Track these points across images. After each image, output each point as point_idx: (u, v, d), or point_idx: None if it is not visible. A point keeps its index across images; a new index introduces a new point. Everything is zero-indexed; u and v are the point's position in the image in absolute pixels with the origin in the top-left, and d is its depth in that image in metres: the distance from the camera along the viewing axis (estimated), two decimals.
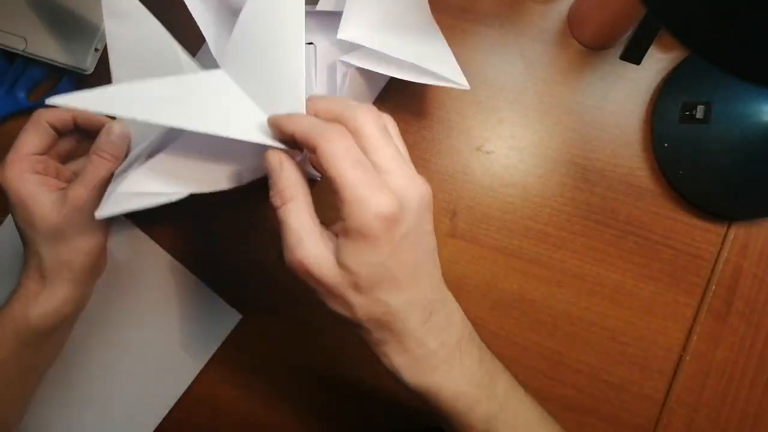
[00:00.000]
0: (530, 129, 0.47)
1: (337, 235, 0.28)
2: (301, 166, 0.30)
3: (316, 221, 0.29)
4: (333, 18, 0.38)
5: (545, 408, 0.34)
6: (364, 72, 0.40)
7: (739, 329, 0.45)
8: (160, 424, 0.46)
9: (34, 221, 0.35)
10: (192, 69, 0.36)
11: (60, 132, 0.38)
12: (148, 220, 0.47)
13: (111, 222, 0.42)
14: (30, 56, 0.45)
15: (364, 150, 0.28)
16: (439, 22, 0.43)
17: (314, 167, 0.33)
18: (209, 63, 0.35)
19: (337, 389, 0.46)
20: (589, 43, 0.46)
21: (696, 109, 0.44)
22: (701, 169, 0.44)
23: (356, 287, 0.28)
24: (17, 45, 0.44)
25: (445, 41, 0.42)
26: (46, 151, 0.37)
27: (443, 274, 0.31)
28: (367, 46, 0.38)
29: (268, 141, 0.30)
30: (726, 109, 0.44)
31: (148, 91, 0.29)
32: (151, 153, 0.33)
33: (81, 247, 0.36)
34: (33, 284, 0.37)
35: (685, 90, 0.45)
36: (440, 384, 0.30)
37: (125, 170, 0.34)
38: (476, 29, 0.47)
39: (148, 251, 0.47)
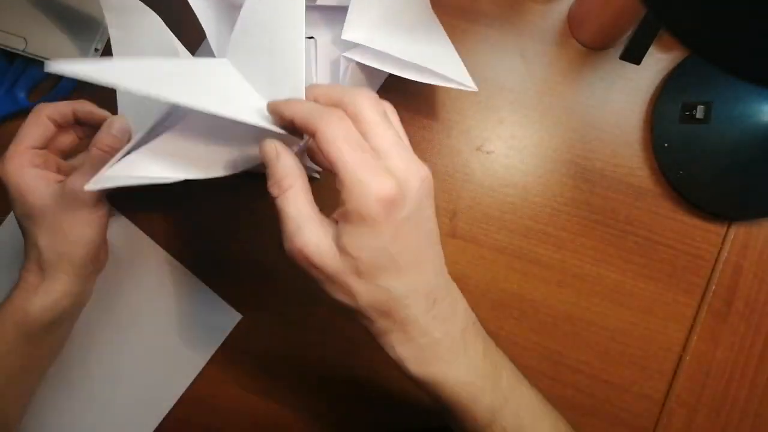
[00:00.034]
0: (530, 129, 0.47)
1: (337, 222, 0.28)
2: (299, 155, 0.30)
3: (315, 209, 0.29)
4: (335, 13, 0.38)
5: None
6: (365, 67, 0.40)
7: (739, 329, 0.45)
8: (160, 424, 0.46)
9: (32, 213, 0.36)
10: None
11: (60, 126, 0.38)
12: (148, 219, 0.47)
13: (111, 218, 0.42)
14: (30, 56, 0.45)
15: (363, 134, 0.28)
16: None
17: (312, 158, 0.33)
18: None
19: (338, 389, 0.46)
20: (589, 43, 0.46)
21: (696, 109, 0.44)
22: (701, 169, 0.44)
23: (357, 273, 0.27)
24: (17, 45, 0.44)
25: (450, 43, 0.42)
26: (45, 145, 0.38)
27: None
28: (371, 47, 0.38)
29: (268, 125, 0.29)
30: (726, 109, 0.44)
31: (151, 66, 0.30)
32: (148, 139, 0.33)
33: (80, 239, 0.36)
34: (32, 277, 0.37)
35: (685, 90, 0.45)
36: (445, 374, 0.29)
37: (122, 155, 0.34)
38: (476, 29, 0.47)
39: (148, 251, 0.47)
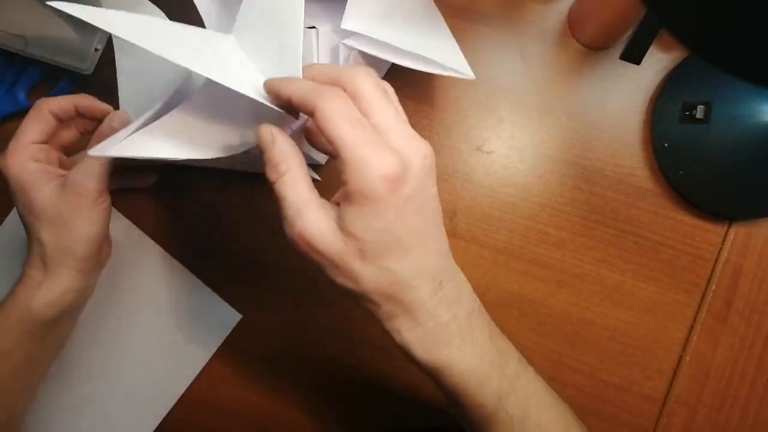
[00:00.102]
0: (530, 129, 0.47)
1: (338, 205, 0.28)
2: (295, 139, 0.29)
3: (315, 192, 0.28)
4: (335, 4, 0.39)
5: None
6: (366, 56, 0.40)
7: (739, 329, 0.45)
8: (160, 424, 0.46)
9: (34, 208, 0.36)
10: None
11: (61, 120, 0.38)
12: (148, 219, 0.47)
13: (112, 215, 0.42)
14: (30, 56, 0.45)
15: (363, 112, 0.27)
16: None
17: (311, 141, 0.33)
18: None
19: (338, 389, 0.46)
20: (589, 43, 0.46)
21: (696, 109, 0.44)
22: (701, 169, 0.44)
23: (362, 255, 0.27)
24: (17, 45, 0.44)
25: (450, 32, 0.42)
26: (47, 140, 0.38)
27: None
28: (370, 36, 0.38)
29: (265, 101, 0.29)
30: (726, 109, 0.44)
31: (156, 25, 0.29)
32: (152, 120, 0.33)
33: (82, 233, 0.36)
34: (35, 272, 0.37)
35: (685, 90, 0.45)
36: (451, 360, 0.29)
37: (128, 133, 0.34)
38: (476, 29, 0.47)
39: (148, 251, 0.47)
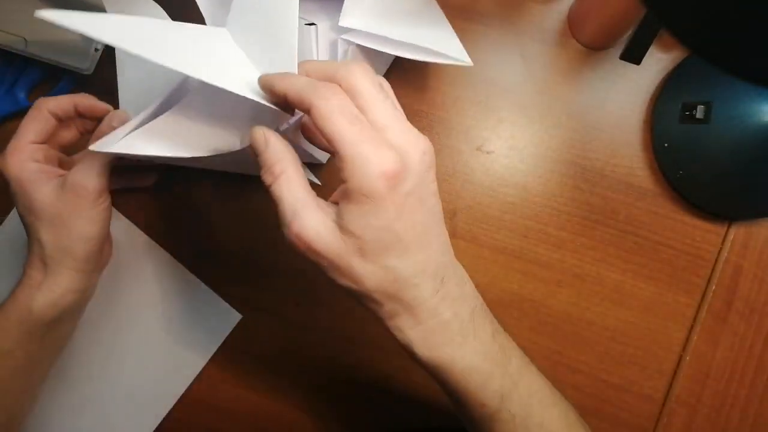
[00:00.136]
0: (530, 129, 0.47)
1: (337, 204, 0.27)
2: (288, 138, 0.29)
3: (311, 192, 0.28)
4: (333, 2, 0.39)
5: None
6: (365, 50, 0.40)
7: (739, 329, 0.45)
8: (160, 424, 0.46)
9: (34, 208, 0.36)
10: None
11: (61, 120, 0.38)
12: (148, 219, 0.47)
13: (112, 215, 0.42)
14: (30, 56, 0.45)
15: (360, 108, 0.27)
16: None
17: (308, 137, 0.33)
18: None
19: (338, 389, 0.46)
20: (589, 43, 0.46)
21: (696, 109, 0.44)
22: (701, 169, 0.44)
23: (361, 254, 0.26)
24: (17, 45, 0.44)
25: (447, 21, 0.41)
26: (46, 140, 0.38)
27: None
28: (368, 31, 0.38)
29: (259, 99, 0.29)
30: (726, 109, 0.44)
31: (149, 26, 0.29)
32: (151, 119, 0.33)
33: (81, 233, 0.36)
34: (35, 273, 0.37)
35: (685, 90, 0.45)
36: (453, 358, 0.28)
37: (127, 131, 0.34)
38: (476, 29, 0.47)
39: (148, 251, 0.47)
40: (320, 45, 0.40)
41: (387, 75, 0.46)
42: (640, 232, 0.45)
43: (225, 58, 0.32)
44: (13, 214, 0.46)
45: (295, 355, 0.47)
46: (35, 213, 0.36)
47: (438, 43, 0.39)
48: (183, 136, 0.32)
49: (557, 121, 0.47)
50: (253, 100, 0.29)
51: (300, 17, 0.39)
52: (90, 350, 0.46)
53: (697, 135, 0.44)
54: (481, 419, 0.30)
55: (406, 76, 0.47)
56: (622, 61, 0.46)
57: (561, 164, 0.46)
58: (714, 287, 0.45)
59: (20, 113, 0.47)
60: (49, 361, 0.40)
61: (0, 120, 0.47)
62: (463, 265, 0.30)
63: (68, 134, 0.40)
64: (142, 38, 0.28)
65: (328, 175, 0.46)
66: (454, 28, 0.41)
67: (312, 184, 0.29)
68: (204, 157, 0.32)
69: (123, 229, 0.47)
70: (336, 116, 0.25)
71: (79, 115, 0.39)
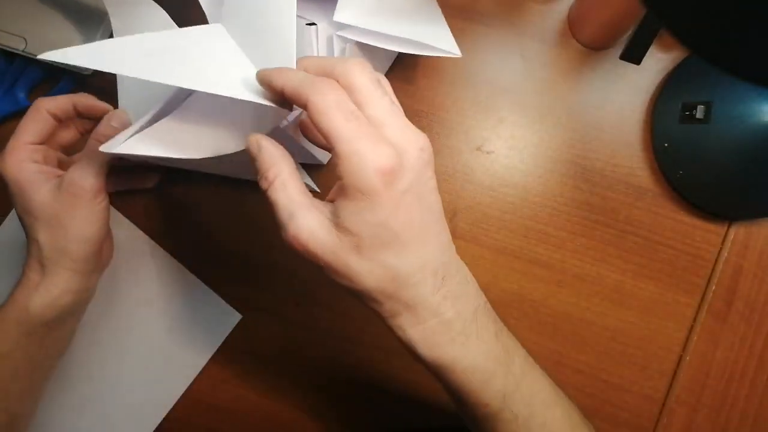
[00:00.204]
0: (530, 129, 0.47)
1: (333, 202, 0.27)
2: (287, 135, 0.29)
3: (307, 194, 0.27)
4: (331, 1, 0.39)
5: None
6: (364, 48, 0.40)
7: (739, 329, 0.45)
8: (160, 424, 0.46)
9: (31, 208, 0.36)
10: None
11: (60, 120, 0.38)
12: (148, 219, 0.47)
13: (112, 215, 0.42)
14: (30, 56, 0.45)
15: (357, 104, 0.26)
16: None
17: (306, 135, 0.33)
18: None
19: (338, 389, 0.46)
20: (589, 43, 0.46)
21: (696, 109, 0.44)
22: (701, 169, 0.44)
23: (358, 250, 0.26)
24: (17, 45, 0.44)
25: (440, 12, 0.41)
26: (45, 140, 0.38)
27: None
28: (362, 27, 0.38)
29: (258, 99, 0.29)
30: (726, 109, 0.44)
31: (140, 45, 0.29)
32: (154, 121, 0.33)
33: (78, 234, 0.36)
34: (33, 274, 0.36)
35: (685, 90, 0.45)
36: (455, 357, 0.28)
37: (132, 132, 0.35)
38: (476, 29, 0.47)
39: (149, 251, 0.47)
40: (322, 44, 0.40)
41: (387, 74, 0.46)
42: (640, 232, 0.45)
43: (222, 59, 0.32)
44: (13, 215, 0.46)
45: (295, 355, 0.47)
46: (33, 214, 0.36)
47: (428, 35, 0.39)
48: (187, 138, 0.32)
49: (557, 121, 0.47)
50: (252, 103, 0.29)
51: (300, 16, 0.40)
52: (90, 350, 0.46)
53: (697, 135, 0.44)
54: (484, 419, 0.30)
55: (406, 75, 0.47)
56: (622, 61, 0.46)
57: (561, 164, 0.46)
58: (714, 287, 0.45)
59: (20, 113, 0.47)
60: (50, 362, 0.40)
61: (0, 120, 0.47)
62: None
63: (68, 134, 0.40)
64: (139, 59, 0.28)
65: (328, 178, 0.46)
66: (453, 28, 0.41)
67: (312, 191, 0.29)
68: (209, 159, 0.32)
69: (124, 229, 0.47)
70: (332, 112, 0.25)
71: (79, 115, 0.39)
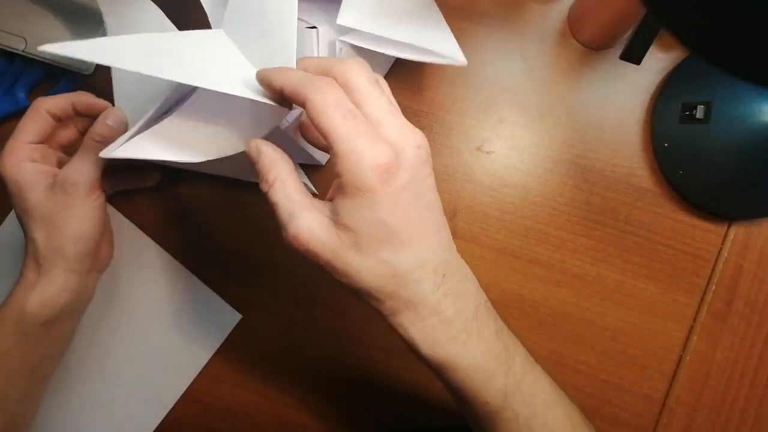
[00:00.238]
0: (530, 129, 0.47)
1: (332, 201, 0.27)
2: (287, 137, 0.29)
3: (305, 194, 0.28)
4: (333, 4, 0.39)
5: None
6: (362, 52, 0.40)
7: (739, 329, 0.45)
8: (160, 424, 0.46)
9: (27, 207, 0.36)
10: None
11: (60, 120, 0.38)
12: (148, 219, 0.47)
13: (112, 215, 0.42)
14: (30, 56, 0.45)
15: (355, 103, 0.27)
16: None
17: (305, 135, 0.33)
18: None
19: (338, 389, 0.46)
20: (589, 43, 0.46)
21: (696, 109, 0.44)
22: (701, 169, 0.44)
23: (357, 248, 0.26)
24: (17, 45, 0.44)
25: (443, 20, 0.41)
26: (44, 140, 0.38)
27: None
28: (365, 31, 0.38)
29: (257, 97, 0.29)
30: (726, 109, 0.44)
31: (141, 43, 0.30)
32: (153, 122, 0.33)
33: (72, 233, 0.36)
34: (30, 273, 0.37)
35: (685, 90, 0.45)
36: (457, 355, 0.28)
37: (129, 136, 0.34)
38: (476, 29, 0.47)
39: (148, 251, 0.47)
40: (323, 47, 0.40)
41: (387, 75, 0.46)
42: (640, 232, 0.45)
43: (223, 60, 0.32)
44: (13, 215, 0.46)
45: (295, 355, 0.47)
46: (28, 213, 0.36)
47: (433, 42, 0.39)
48: (187, 140, 0.32)
49: (557, 121, 0.47)
50: (252, 102, 0.29)
51: (301, 19, 0.40)
52: (90, 350, 0.46)
53: (697, 135, 0.44)
54: (485, 417, 0.30)
55: (406, 76, 0.47)
56: (622, 61, 0.46)
57: (561, 164, 0.46)
58: (714, 287, 0.45)
59: (20, 113, 0.47)
60: (50, 364, 0.40)
61: (0, 120, 0.47)
62: None
63: (67, 133, 0.40)
64: (140, 55, 0.28)
65: (326, 179, 0.46)
66: (453, 28, 0.41)
67: (312, 165, 0.29)
68: (210, 161, 0.32)
69: (123, 229, 0.47)
70: (331, 110, 0.26)
71: (78, 113, 0.39)
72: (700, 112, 0.44)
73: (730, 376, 0.44)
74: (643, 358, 0.45)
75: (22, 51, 0.44)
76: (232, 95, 0.29)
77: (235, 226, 0.47)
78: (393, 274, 0.27)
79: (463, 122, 0.47)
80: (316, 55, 0.40)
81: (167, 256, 0.47)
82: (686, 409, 0.44)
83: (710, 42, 0.27)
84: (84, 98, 0.38)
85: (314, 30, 0.40)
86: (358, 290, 0.28)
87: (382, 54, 0.39)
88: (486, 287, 0.31)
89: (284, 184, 0.27)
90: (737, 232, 0.45)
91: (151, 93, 0.37)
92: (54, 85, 0.47)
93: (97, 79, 0.46)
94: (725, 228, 0.45)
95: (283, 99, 0.28)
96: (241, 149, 0.32)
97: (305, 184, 0.30)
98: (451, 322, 0.28)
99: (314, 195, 0.41)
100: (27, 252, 0.37)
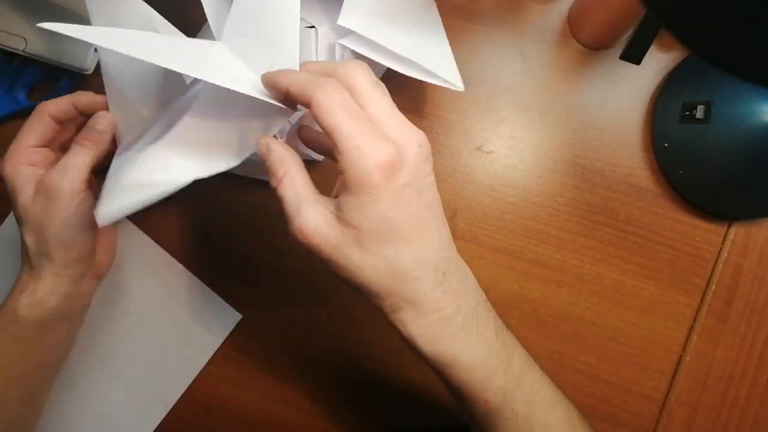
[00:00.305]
0: (530, 129, 0.47)
1: (337, 197, 0.28)
2: (292, 144, 0.30)
3: (313, 189, 0.29)
4: (335, 3, 0.39)
5: None
6: (361, 56, 0.40)
7: (739, 329, 0.45)
8: (160, 424, 0.46)
9: (17, 211, 0.36)
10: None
11: (63, 122, 0.38)
12: (147, 219, 0.47)
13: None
14: (30, 56, 0.45)
15: (358, 104, 0.27)
16: None
17: (305, 142, 0.33)
18: None
19: (338, 389, 0.46)
20: (589, 43, 0.46)
21: (696, 109, 0.44)
22: (701, 169, 0.44)
23: (359, 244, 0.27)
24: (17, 45, 0.44)
25: (446, 40, 0.42)
26: (46, 143, 0.38)
27: None
28: (364, 35, 0.38)
29: (263, 96, 0.29)
30: (726, 109, 0.44)
31: (146, 37, 0.30)
32: (148, 143, 0.33)
33: (57, 238, 0.36)
34: (24, 275, 0.37)
35: (685, 90, 0.45)
36: (457, 352, 0.29)
37: (121, 164, 0.34)
38: (476, 29, 0.47)
39: (148, 251, 0.47)
40: (322, 48, 0.40)
41: (387, 75, 0.46)
42: (640, 232, 0.45)
43: (223, 63, 0.32)
44: (12, 215, 0.46)
45: (295, 355, 0.47)
46: (19, 216, 0.36)
47: (434, 61, 0.39)
48: (200, 155, 0.32)
49: (557, 121, 0.47)
50: (256, 101, 0.29)
51: (301, 18, 0.39)
52: (90, 350, 0.46)
53: (697, 135, 0.44)
54: (485, 415, 0.30)
55: (406, 76, 0.47)
56: (622, 61, 0.46)
57: (561, 164, 0.46)
58: (714, 287, 0.45)
59: (20, 113, 0.47)
60: (47, 370, 0.40)
61: (0, 120, 0.47)
62: None
63: (69, 135, 0.40)
64: (143, 45, 0.29)
65: (323, 176, 0.45)
66: (453, 28, 0.41)
67: (310, 161, 0.29)
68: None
69: (123, 229, 0.47)
70: (336, 110, 0.26)
71: (82, 113, 0.39)
72: (700, 112, 0.44)
73: (730, 376, 0.44)
74: (643, 358, 0.45)
75: (22, 51, 0.44)
76: (234, 102, 0.29)
77: (235, 226, 0.47)
78: (394, 271, 0.27)
79: (463, 122, 0.47)
80: (314, 54, 0.40)
81: (167, 256, 0.47)
82: (686, 409, 0.44)
83: (710, 42, 0.27)
84: (84, 98, 0.38)
85: (313, 29, 0.40)
86: (359, 286, 0.28)
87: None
88: (486, 287, 0.31)
89: (293, 179, 0.28)
90: (737, 232, 0.45)
91: (144, 96, 0.37)
92: (54, 85, 0.47)
93: (97, 79, 0.45)
94: (725, 228, 0.45)
95: (289, 100, 0.29)
96: (247, 154, 0.32)
97: None
98: (451, 319, 0.28)
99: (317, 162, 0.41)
100: (22, 254, 0.37)
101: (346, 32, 0.39)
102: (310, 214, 0.27)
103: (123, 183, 0.32)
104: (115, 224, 0.43)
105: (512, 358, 0.30)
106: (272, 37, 0.31)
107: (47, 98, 0.38)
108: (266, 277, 0.47)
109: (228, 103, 0.32)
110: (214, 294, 0.46)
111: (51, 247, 0.36)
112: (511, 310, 0.45)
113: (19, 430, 0.39)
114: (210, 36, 0.37)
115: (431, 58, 0.39)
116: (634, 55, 0.45)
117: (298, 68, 0.30)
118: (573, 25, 0.47)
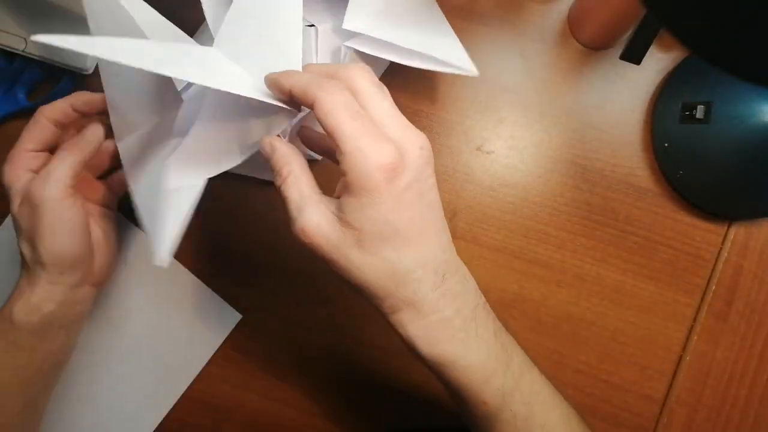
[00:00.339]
0: (530, 129, 0.47)
1: (339, 198, 0.28)
2: (295, 142, 0.30)
3: (316, 189, 0.29)
4: (339, 3, 0.39)
5: None
6: (363, 56, 0.40)
7: (739, 329, 0.45)
8: (160, 424, 0.46)
9: (12, 218, 0.36)
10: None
11: (63, 125, 0.38)
12: None
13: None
14: (30, 56, 0.45)
15: (360, 106, 0.28)
16: None
17: (307, 144, 0.33)
18: (207, 43, 0.35)
19: (338, 389, 0.46)
20: (589, 43, 0.46)
21: (696, 109, 0.44)
22: (701, 169, 0.44)
23: (360, 245, 0.27)
24: (17, 45, 0.44)
25: (452, 31, 0.41)
26: (45, 147, 0.37)
27: None
28: (371, 35, 0.38)
29: (266, 98, 0.29)
30: (726, 109, 0.44)
31: (144, 44, 0.30)
32: (162, 159, 0.33)
33: (45, 246, 0.35)
34: (22, 281, 0.37)
35: (685, 90, 0.45)
36: (456, 354, 0.29)
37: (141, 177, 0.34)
38: (476, 29, 0.47)
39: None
40: (322, 51, 0.40)
41: (387, 75, 0.46)
42: (640, 232, 0.45)
43: (222, 68, 0.32)
44: (8, 221, 0.46)
45: (296, 355, 0.47)
46: (14, 223, 0.36)
47: (443, 50, 0.39)
48: (210, 158, 0.32)
49: (557, 121, 0.47)
50: (259, 106, 0.29)
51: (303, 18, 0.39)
52: (90, 350, 0.46)
53: (697, 135, 0.44)
54: (484, 417, 0.30)
55: (406, 75, 0.47)
56: (622, 61, 0.46)
57: (561, 164, 0.46)
58: (714, 287, 0.45)
59: (20, 113, 0.47)
60: (45, 379, 0.39)
61: (0, 120, 0.47)
62: None
63: (69, 137, 0.40)
64: (142, 54, 0.28)
65: (325, 174, 0.45)
66: (453, 28, 0.41)
67: (310, 160, 0.29)
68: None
69: (122, 229, 0.47)
70: (339, 111, 0.26)
71: (82, 114, 0.38)
72: (700, 112, 0.44)
73: (730, 376, 0.44)
74: (643, 358, 0.45)
75: (22, 51, 0.44)
76: (236, 108, 0.29)
77: (235, 226, 0.47)
78: (394, 273, 0.28)
79: (463, 122, 0.47)
80: (314, 54, 0.40)
81: None
82: (686, 409, 0.44)
83: (710, 42, 0.27)
84: (81, 97, 0.38)
85: (312, 28, 0.40)
86: (359, 287, 0.28)
87: (380, 57, 0.39)
88: (486, 287, 0.31)
89: (297, 179, 0.28)
90: (737, 232, 0.45)
91: (143, 94, 0.37)
92: (54, 85, 0.47)
93: (97, 79, 0.45)
94: (725, 228, 0.45)
95: (292, 101, 0.29)
96: (250, 153, 0.33)
97: None
98: (450, 320, 0.29)
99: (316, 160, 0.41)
100: (21, 261, 0.37)
101: (351, 34, 0.39)
102: (312, 214, 0.27)
103: (160, 214, 0.32)
104: (115, 229, 0.42)
105: (511, 360, 0.30)
106: (274, 38, 0.31)
107: (47, 98, 0.38)
108: (266, 277, 0.47)
109: (232, 105, 0.32)
110: (214, 294, 0.46)
111: (42, 255, 0.35)
112: (511, 310, 0.45)
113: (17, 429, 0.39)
114: (209, 35, 0.37)
115: (441, 48, 0.39)
116: (634, 55, 0.45)
117: (300, 68, 0.30)
118: (573, 25, 0.47)
